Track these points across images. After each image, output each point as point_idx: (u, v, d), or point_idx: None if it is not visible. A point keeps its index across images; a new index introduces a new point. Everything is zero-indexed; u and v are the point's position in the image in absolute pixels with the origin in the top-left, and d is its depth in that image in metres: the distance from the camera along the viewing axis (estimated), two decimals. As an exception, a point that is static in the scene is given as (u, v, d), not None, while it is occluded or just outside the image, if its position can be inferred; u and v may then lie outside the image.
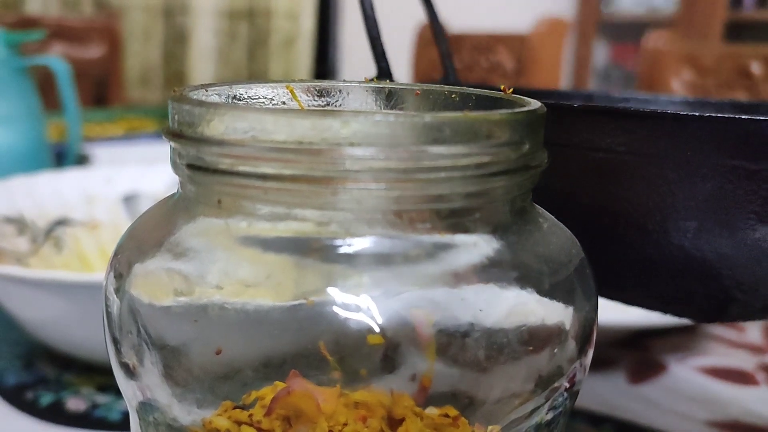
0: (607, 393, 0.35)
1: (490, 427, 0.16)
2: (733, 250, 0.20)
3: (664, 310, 0.24)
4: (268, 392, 0.16)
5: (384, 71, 0.24)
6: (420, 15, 0.30)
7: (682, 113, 0.19)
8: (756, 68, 1.03)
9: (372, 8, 0.23)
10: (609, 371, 0.38)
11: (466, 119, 0.14)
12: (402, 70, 1.39)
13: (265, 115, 0.14)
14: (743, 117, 0.18)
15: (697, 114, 0.18)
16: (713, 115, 0.18)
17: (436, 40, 0.29)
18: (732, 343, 0.42)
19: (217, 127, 0.15)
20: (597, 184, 0.17)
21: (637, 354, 0.40)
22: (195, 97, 0.18)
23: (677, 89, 1.09)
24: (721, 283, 0.21)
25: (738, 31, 2.14)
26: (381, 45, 0.24)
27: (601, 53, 2.52)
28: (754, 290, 0.21)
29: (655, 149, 0.19)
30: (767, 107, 0.33)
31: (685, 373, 0.38)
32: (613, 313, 0.32)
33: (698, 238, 0.20)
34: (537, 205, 0.18)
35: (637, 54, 1.90)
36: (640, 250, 0.21)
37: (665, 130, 0.19)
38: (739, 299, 0.21)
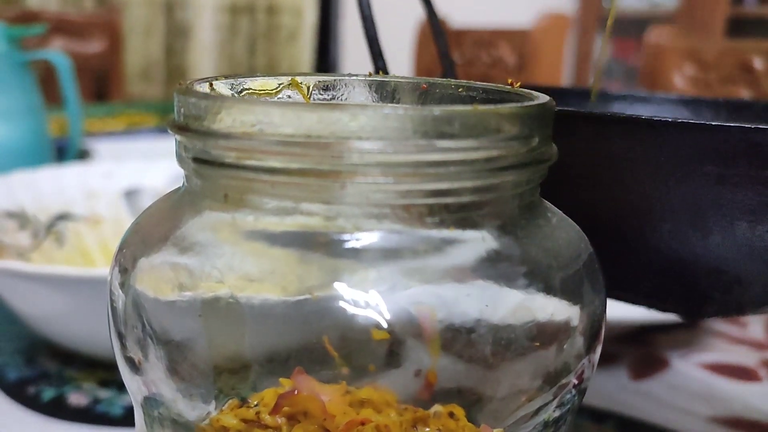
0: (610, 389, 0.35)
1: (496, 431, 0.16)
2: (706, 251, 0.20)
3: (647, 306, 0.24)
4: (269, 393, 0.16)
5: (381, 70, 0.24)
6: (421, 11, 0.30)
7: (654, 119, 0.19)
8: (758, 63, 1.03)
9: (369, 8, 0.23)
10: (611, 367, 0.37)
11: (476, 113, 0.14)
12: (403, 66, 1.39)
13: (273, 108, 0.14)
14: (713, 123, 0.18)
15: (669, 120, 0.18)
16: (685, 121, 0.18)
17: (435, 37, 0.29)
18: (734, 339, 0.42)
19: (224, 120, 0.15)
20: (573, 186, 0.17)
21: (639, 350, 0.40)
22: (201, 90, 0.17)
23: (679, 84, 1.09)
24: (697, 284, 0.21)
25: (740, 26, 2.14)
26: (378, 45, 0.24)
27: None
28: (728, 290, 0.21)
29: (629, 154, 0.19)
30: (761, 106, 0.33)
31: (687, 369, 0.38)
32: (615, 308, 0.32)
33: (673, 240, 0.20)
34: (545, 200, 0.18)
35: (638, 49, 1.90)
36: (618, 251, 0.21)
37: (639, 135, 0.19)
38: (715, 298, 0.22)
